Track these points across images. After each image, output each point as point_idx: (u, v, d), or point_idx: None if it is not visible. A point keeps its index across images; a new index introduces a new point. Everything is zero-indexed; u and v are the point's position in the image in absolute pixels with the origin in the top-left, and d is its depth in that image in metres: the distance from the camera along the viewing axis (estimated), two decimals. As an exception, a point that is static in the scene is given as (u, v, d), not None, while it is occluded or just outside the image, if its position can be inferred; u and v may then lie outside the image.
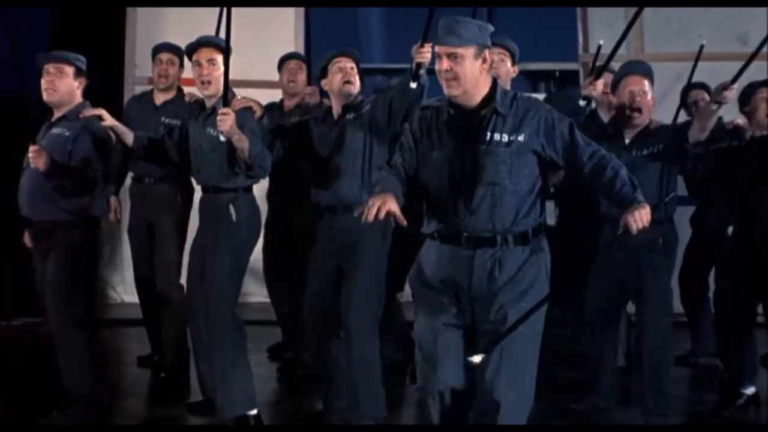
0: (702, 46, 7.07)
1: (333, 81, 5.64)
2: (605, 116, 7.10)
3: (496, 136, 4.22)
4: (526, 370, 4.28)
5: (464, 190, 4.23)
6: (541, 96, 10.45)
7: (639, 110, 5.65)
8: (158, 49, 7.11)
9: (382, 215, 4.08)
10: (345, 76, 5.61)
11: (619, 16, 9.42)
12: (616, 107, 5.79)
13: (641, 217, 4.12)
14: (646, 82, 5.69)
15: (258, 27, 9.42)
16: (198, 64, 5.64)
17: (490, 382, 4.19)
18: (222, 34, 5.66)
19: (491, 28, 4.31)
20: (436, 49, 4.30)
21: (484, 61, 4.24)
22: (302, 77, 7.22)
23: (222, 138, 5.46)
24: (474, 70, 4.22)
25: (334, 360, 5.65)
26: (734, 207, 6.17)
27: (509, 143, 4.20)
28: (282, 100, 7.21)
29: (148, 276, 6.96)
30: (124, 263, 7.51)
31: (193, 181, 6.24)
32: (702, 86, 7.23)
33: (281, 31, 9.88)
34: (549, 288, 4.34)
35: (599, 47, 6.21)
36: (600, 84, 5.80)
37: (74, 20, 8.93)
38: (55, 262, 5.56)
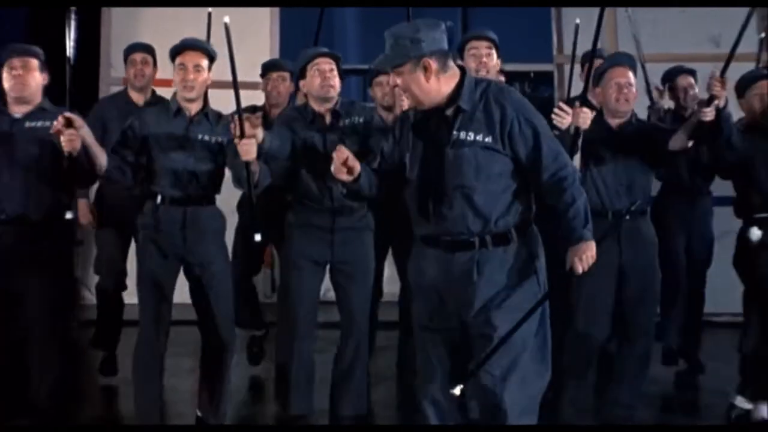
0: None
1: (312, 83, 5.53)
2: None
3: (462, 135, 4.18)
4: (527, 371, 4.25)
5: (435, 194, 4.22)
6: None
7: (626, 101, 5.62)
8: (132, 50, 7.04)
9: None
10: (324, 80, 5.50)
11: (593, 17, 9.45)
12: (600, 99, 5.76)
13: (588, 257, 4.10)
14: (631, 74, 5.66)
15: (232, 27, 9.38)
16: (183, 67, 5.45)
17: (492, 388, 4.20)
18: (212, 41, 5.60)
19: (426, 33, 4.17)
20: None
21: (426, 69, 4.16)
22: (285, 87, 6.99)
23: (219, 140, 5.42)
24: (417, 83, 4.17)
25: (311, 361, 5.63)
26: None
27: (474, 142, 4.16)
28: (265, 106, 6.98)
29: (113, 284, 6.87)
30: (100, 264, 7.45)
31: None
32: (689, 72, 7.21)
33: (256, 32, 9.85)
34: (544, 285, 4.33)
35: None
36: (569, 117, 5.49)
37: (49, 21, 8.88)
38: (48, 263, 5.42)
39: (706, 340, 7.11)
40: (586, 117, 5.27)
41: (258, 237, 5.33)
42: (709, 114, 5.40)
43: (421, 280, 4.40)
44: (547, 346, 4.33)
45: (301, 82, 5.62)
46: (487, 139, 4.15)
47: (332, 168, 4.40)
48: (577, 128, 5.28)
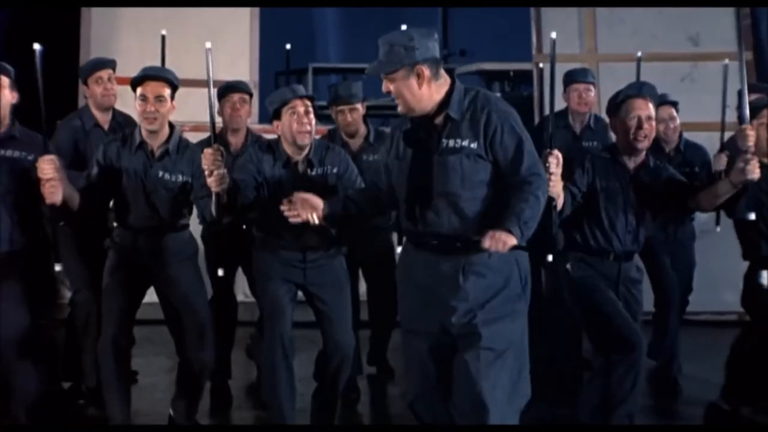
0: (640, 58, 6.95)
1: (288, 127, 5.30)
2: (577, 125, 7.10)
3: (450, 143, 4.26)
4: (509, 369, 4.29)
5: (422, 200, 4.30)
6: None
7: (645, 137, 5.28)
8: (96, 67, 6.44)
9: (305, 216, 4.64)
10: (300, 125, 5.27)
11: (572, 16, 9.50)
12: (617, 132, 5.43)
13: (501, 241, 4.02)
14: (652, 106, 5.33)
15: (212, 25, 9.38)
16: (144, 98, 5.28)
17: (474, 384, 4.22)
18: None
19: (420, 41, 4.25)
20: None
21: (419, 76, 4.25)
22: (246, 110, 6.46)
23: (180, 179, 5.35)
24: (410, 89, 4.27)
25: (292, 376, 5.58)
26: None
27: (460, 149, 4.24)
28: (223, 133, 6.39)
29: (87, 297, 6.35)
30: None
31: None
32: (671, 103, 6.74)
33: (236, 30, 9.83)
34: (527, 287, 4.39)
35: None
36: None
37: (28, 21, 8.86)
38: (14, 294, 5.18)
39: (685, 339, 7.09)
40: (557, 185, 4.75)
41: (221, 272, 5.37)
42: (753, 171, 5.05)
43: (407, 281, 4.49)
44: (521, 342, 4.38)
45: (275, 123, 5.38)
46: (472, 145, 4.23)
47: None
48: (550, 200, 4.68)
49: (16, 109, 5.34)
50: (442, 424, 4.50)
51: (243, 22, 9.99)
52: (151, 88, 5.29)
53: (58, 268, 5.10)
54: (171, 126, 5.45)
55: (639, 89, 5.42)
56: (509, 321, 4.30)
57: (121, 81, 6.50)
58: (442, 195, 4.25)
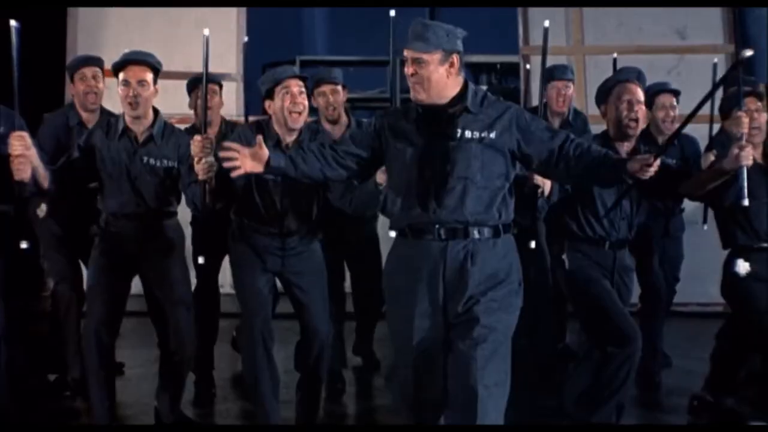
0: (615, 59, 6.99)
1: (281, 107, 5.22)
2: (554, 121, 7.09)
3: (467, 133, 4.33)
4: (502, 358, 4.31)
5: (436, 185, 4.33)
6: (482, 88, 10.58)
7: (636, 121, 5.30)
8: (80, 64, 6.36)
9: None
10: (294, 106, 5.20)
11: (559, 9, 9.52)
12: (608, 118, 5.42)
13: (649, 164, 4.30)
14: (640, 91, 5.35)
15: (199, 19, 9.38)
16: (126, 83, 5.24)
17: (467, 371, 4.23)
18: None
19: (462, 34, 4.39)
20: (404, 52, 4.37)
21: (452, 65, 4.33)
22: (217, 101, 6.48)
23: (165, 164, 5.33)
24: (439, 75, 4.32)
25: (274, 367, 5.56)
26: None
27: (481, 139, 4.32)
28: (197, 124, 6.28)
29: (68, 288, 6.37)
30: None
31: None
32: (672, 91, 6.73)
33: (223, 24, 9.83)
34: (522, 286, 4.44)
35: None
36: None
37: (15, 13, 8.81)
38: None
39: (672, 330, 7.11)
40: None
41: (201, 260, 5.45)
42: (747, 158, 5.09)
43: (407, 272, 4.44)
44: (511, 334, 4.40)
45: (267, 103, 5.28)
46: (491, 135, 4.33)
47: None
48: (536, 187, 4.87)
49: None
50: (438, 426, 4.49)
51: (230, 15, 10.00)
52: (134, 72, 5.26)
53: (24, 245, 5.07)
54: (155, 111, 5.42)
55: (629, 74, 5.45)
56: (506, 313, 4.35)
57: (108, 73, 6.41)
58: (460, 180, 4.30)
